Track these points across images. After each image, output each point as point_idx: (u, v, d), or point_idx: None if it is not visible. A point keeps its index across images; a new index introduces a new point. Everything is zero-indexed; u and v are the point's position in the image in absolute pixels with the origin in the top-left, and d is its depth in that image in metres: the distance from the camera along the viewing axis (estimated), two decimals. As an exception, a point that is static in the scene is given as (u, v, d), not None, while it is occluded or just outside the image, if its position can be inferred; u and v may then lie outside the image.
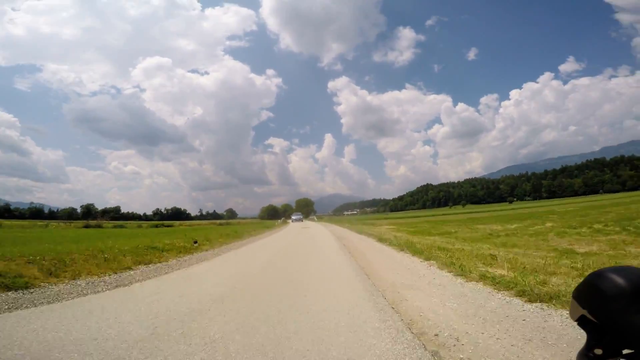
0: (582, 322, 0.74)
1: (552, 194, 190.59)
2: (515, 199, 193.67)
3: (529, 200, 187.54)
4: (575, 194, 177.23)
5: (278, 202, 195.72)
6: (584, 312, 0.72)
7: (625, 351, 0.67)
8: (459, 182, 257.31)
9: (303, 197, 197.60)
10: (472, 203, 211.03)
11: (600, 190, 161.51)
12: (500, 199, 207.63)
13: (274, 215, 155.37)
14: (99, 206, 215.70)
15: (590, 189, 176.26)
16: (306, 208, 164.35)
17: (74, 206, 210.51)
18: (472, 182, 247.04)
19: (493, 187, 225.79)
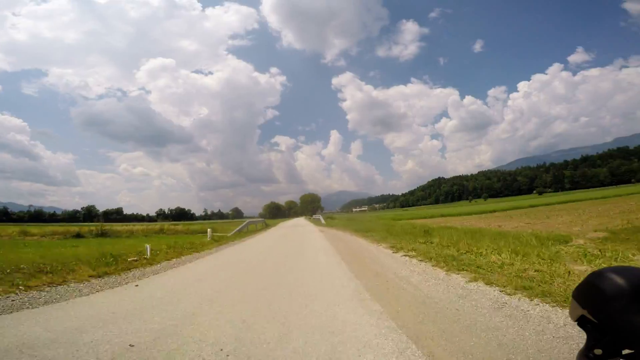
0: (582, 322, 0.73)
1: (575, 185, 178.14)
2: (547, 190, 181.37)
3: (550, 192, 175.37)
4: (602, 184, 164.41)
5: (285, 200, 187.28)
6: (584, 312, 0.71)
7: (625, 351, 0.67)
8: (472, 175, 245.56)
9: (309, 193, 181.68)
10: (490, 196, 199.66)
11: (632, 180, 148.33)
12: (519, 191, 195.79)
13: (277, 213, 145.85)
14: (112, 208, 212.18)
15: (617, 179, 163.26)
16: (312, 205, 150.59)
17: (98, 210, 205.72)
18: (486, 175, 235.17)
19: (510, 179, 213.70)
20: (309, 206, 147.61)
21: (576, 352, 0.73)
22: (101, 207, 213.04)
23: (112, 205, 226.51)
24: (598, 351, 0.69)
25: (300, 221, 46.42)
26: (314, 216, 49.67)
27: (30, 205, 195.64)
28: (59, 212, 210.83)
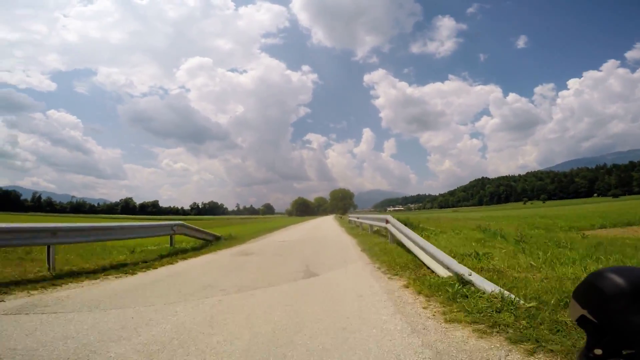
0: (582, 322, 0.72)
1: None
2: (622, 193, 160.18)
3: (610, 196, 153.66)
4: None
5: (315, 197, 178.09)
6: (584, 312, 0.71)
7: (625, 351, 0.67)
8: (520, 176, 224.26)
9: (340, 188, 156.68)
10: (538, 199, 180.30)
11: None
12: (576, 194, 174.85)
13: (306, 210, 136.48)
14: (148, 201, 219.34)
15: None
16: (343, 202, 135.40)
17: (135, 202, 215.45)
18: (537, 176, 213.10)
19: (566, 180, 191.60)
20: (340, 203, 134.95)
21: None
22: (145, 201, 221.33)
23: (156, 200, 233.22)
24: (598, 351, 0.68)
25: (324, 224, 29.30)
26: (350, 217, 27.23)
27: (73, 197, 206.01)
28: (107, 204, 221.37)
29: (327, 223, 31.85)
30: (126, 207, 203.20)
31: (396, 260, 6.43)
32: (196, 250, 9.50)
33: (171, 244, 9.56)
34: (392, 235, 8.80)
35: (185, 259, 8.10)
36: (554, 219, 16.53)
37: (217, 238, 11.77)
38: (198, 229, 10.88)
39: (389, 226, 9.03)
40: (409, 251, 6.80)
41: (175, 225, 9.72)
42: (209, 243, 11.02)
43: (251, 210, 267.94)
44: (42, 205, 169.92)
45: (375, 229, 12.55)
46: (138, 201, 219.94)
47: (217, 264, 7.52)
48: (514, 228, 11.47)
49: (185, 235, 10.35)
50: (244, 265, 7.07)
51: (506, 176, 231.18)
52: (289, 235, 16.06)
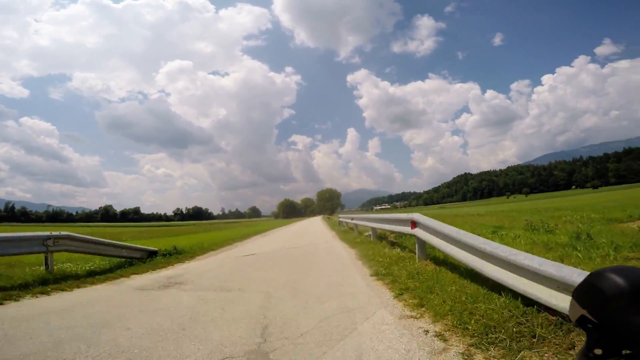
0: (582, 322, 0.72)
1: (621, 179, 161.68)
2: (587, 185, 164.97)
3: (589, 187, 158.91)
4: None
5: (302, 198, 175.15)
6: (584, 312, 0.71)
7: (625, 351, 0.67)
8: (501, 170, 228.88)
9: (327, 189, 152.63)
10: (521, 193, 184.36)
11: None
12: (556, 187, 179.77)
13: (292, 212, 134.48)
14: (129, 208, 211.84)
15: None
16: (330, 202, 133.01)
17: (115, 210, 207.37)
18: (518, 169, 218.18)
19: (545, 173, 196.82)
20: (327, 204, 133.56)
21: None
22: (126, 208, 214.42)
23: (138, 206, 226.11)
24: (598, 351, 0.68)
25: (311, 226, 26.50)
26: (340, 217, 23.39)
27: (49, 206, 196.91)
28: (86, 212, 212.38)
29: (315, 225, 28.24)
30: (106, 215, 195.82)
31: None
32: (79, 280, 6.03)
33: (47, 267, 6.32)
34: (421, 248, 5.70)
35: (36, 295, 4.92)
36: (576, 210, 14.91)
37: (151, 254, 8.48)
38: (103, 241, 7.30)
39: (419, 233, 5.58)
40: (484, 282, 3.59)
41: (51, 237, 6.30)
42: (133, 261, 7.83)
43: (237, 214, 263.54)
44: (15, 215, 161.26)
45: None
46: (119, 208, 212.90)
47: (77, 314, 3.92)
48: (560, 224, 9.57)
49: (76, 252, 6.94)
50: (127, 322, 3.54)
51: (488, 171, 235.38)
52: (264, 245, 12.56)
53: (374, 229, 9.92)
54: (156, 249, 8.89)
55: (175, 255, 8.86)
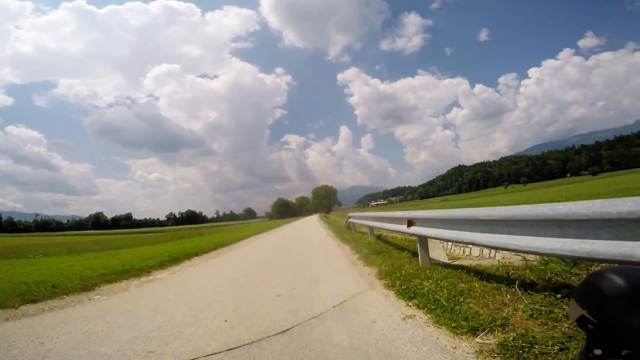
0: (581, 322, 0.72)
1: (615, 165, 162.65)
2: (584, 172, 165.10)
3: (586, 174, 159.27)
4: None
5: (296, 197, 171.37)
6: (584, 312, 0.71)
7: (624, 351, 0.67)
8: (495, 161, 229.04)
9: (322, 185, 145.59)
10: (517, 182, 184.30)
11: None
12: (551, 176, 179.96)
13: (287, 211, 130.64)
14: (121, 214, 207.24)
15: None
16: (327, 200, 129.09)
17: (107, 217, 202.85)
18: (512, 160, 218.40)
19: (539, 163, 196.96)
20: (323, 201, 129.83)
21: None
22: (118, 214, 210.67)
23: (133, 212, 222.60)
24: (598, 351, 0.68)
25: (305, 229, 21.78)
26: (351, 218, 14.68)
27: (37, 214, 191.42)
28: (77, 220, 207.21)
29: (311, 227, 23.20)
30: (97, 223, 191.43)
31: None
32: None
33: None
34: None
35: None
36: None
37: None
38: None
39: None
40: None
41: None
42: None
43: (231, 216, 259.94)
44: (2, 225, 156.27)
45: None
46: (114, 215, 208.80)
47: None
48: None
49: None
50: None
51: (482, 162, 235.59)
52: (217, 273, 6.95)
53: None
54: None
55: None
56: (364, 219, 11.37)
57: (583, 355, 0.70)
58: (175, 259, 9.04)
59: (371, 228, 10.36)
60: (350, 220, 14.57)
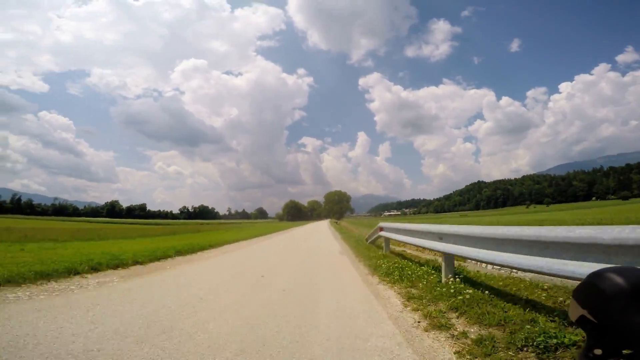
0: (581, 322, 0.73)
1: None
2: (611, 196, 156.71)
3: (613, 198, 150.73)
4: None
5: (308, 201, 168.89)
6: (584, 312, 0.72)
7: (625, 351, 0.67)
8: (516, 179, 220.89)
9: (335, 190, 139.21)
10: (538, 203, 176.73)
11: None
12: (575, 198, 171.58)
13: (298, 214, 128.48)
14: (136, 204, 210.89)
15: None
16: (339, 205, 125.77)
17: (122, 206, 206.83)
18: (534, 179, 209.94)
19: (564, 183, 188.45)
20: (335, 207, 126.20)
21: None
22: (133, 204, 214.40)
23: (149, 203, 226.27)
24: (598, 351, 0.69)
25: (313, 239, 18.21)
26: (383, 230, 9.00)
27: (56, 198, 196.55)
28: (92, 207, 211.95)
29: (319, 237, 19.49)
30: (112, 211, 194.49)
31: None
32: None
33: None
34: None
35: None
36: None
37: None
38: None
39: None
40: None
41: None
42: None
43: (243, 215, 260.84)
44: (21, 207, 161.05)
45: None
46: (130, 204, 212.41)
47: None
48: None
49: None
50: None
51: (502, 180, 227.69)
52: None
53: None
54: None
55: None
56: (421, 235, 6.09)
57: (583, 355, 0.70)
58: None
59: (387, 240, 8.15)
60: (383, 234, 9.02)
